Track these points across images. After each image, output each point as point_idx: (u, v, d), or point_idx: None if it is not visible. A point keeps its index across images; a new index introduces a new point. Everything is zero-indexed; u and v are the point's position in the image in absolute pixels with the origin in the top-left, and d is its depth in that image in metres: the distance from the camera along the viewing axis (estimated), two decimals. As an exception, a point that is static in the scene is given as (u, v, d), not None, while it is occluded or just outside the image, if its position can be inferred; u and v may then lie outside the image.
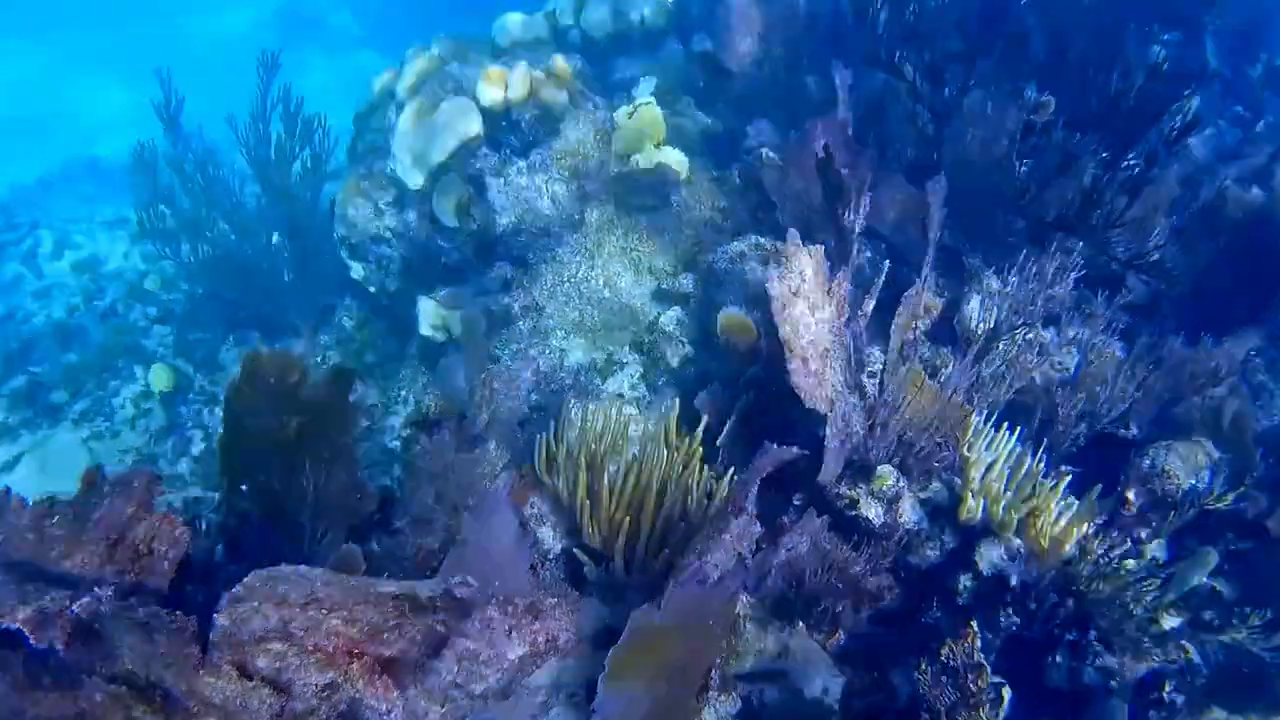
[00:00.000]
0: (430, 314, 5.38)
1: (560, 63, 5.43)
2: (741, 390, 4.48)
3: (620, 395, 5.08)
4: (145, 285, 8.91)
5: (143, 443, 7.12)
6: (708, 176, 5.80)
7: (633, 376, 5.22)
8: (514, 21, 6.66)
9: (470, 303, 5.34)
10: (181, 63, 8.18)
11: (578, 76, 6.34)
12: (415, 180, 5.38)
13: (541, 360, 5.22)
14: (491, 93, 5.23)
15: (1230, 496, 4.03)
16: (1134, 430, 4.41)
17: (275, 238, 7.31)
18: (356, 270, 6.20)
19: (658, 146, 5.74)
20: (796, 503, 4.03)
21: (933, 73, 4.89)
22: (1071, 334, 4.69)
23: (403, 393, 6.17)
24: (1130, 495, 4.14)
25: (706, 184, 5.71)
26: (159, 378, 7.29)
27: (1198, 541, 4.06)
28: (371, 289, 6.28)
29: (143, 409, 7.37)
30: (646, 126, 5.72)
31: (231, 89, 8.86)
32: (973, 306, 4.66)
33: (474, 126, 5.24)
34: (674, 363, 5.18)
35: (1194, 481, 4.14)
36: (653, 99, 5.88)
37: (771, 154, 5.69)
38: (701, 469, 3.82)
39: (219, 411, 6.60)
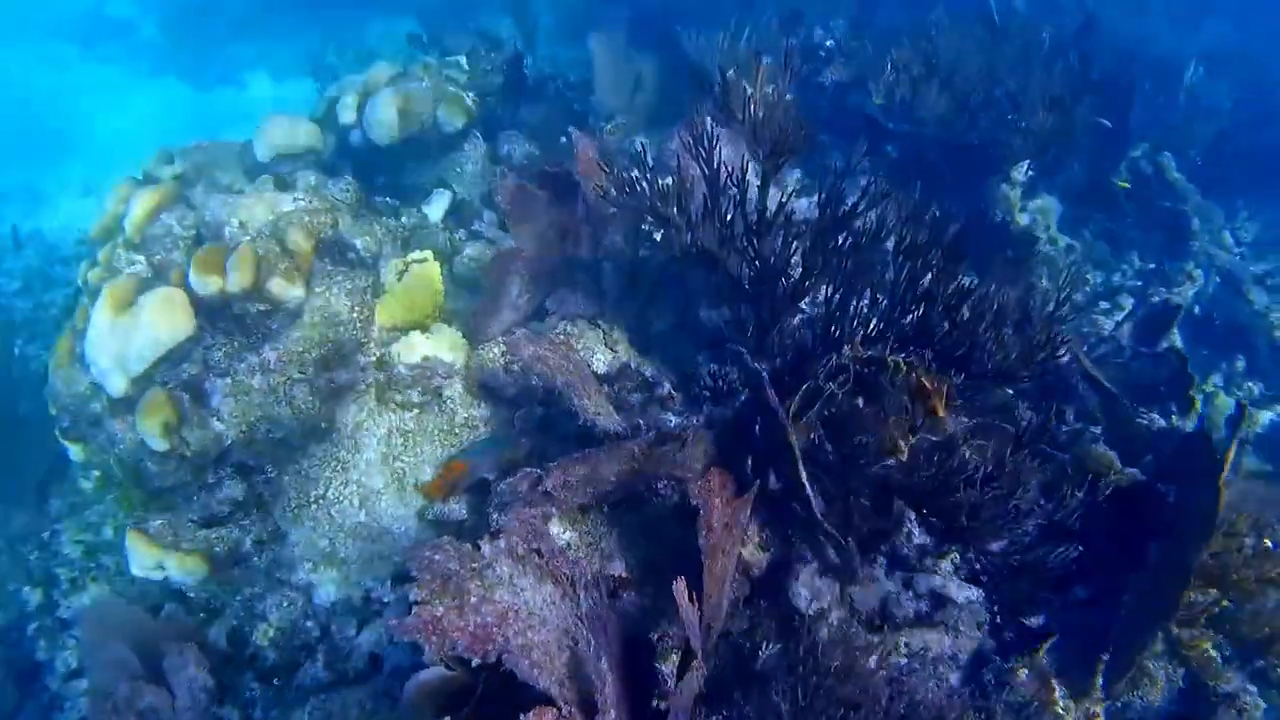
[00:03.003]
0: (142, 553, 4.36)
1: (298, 238, 4.40)
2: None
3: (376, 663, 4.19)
4: None
5: None
6: (501, 349, 4.90)
7: (394, 623, 4.32)
8: (277, 129, 5.54)
9: (190, 536, 4.34)
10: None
11: (348, 209, 5.32)
12: (117, 386, 4.29)
13: (276, 614, 4.28)
14: (208, 283, 4.18)
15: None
16: None
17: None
18: (75, 453, 5.09)
19: (431, 321, 4.82)
20: None
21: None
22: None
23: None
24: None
25: (493, 362, 4.81)
26: None
27: None
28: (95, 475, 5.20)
29: None
30: (419, 294, 4.78)
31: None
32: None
33: (182, 328, 4.19)
34: (443, 607, 4.30)
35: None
36: (428, 255, 4.92)
37: (573, 328, 4.83)
38: None
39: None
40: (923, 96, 6.09)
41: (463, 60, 6.48)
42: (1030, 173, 6.44)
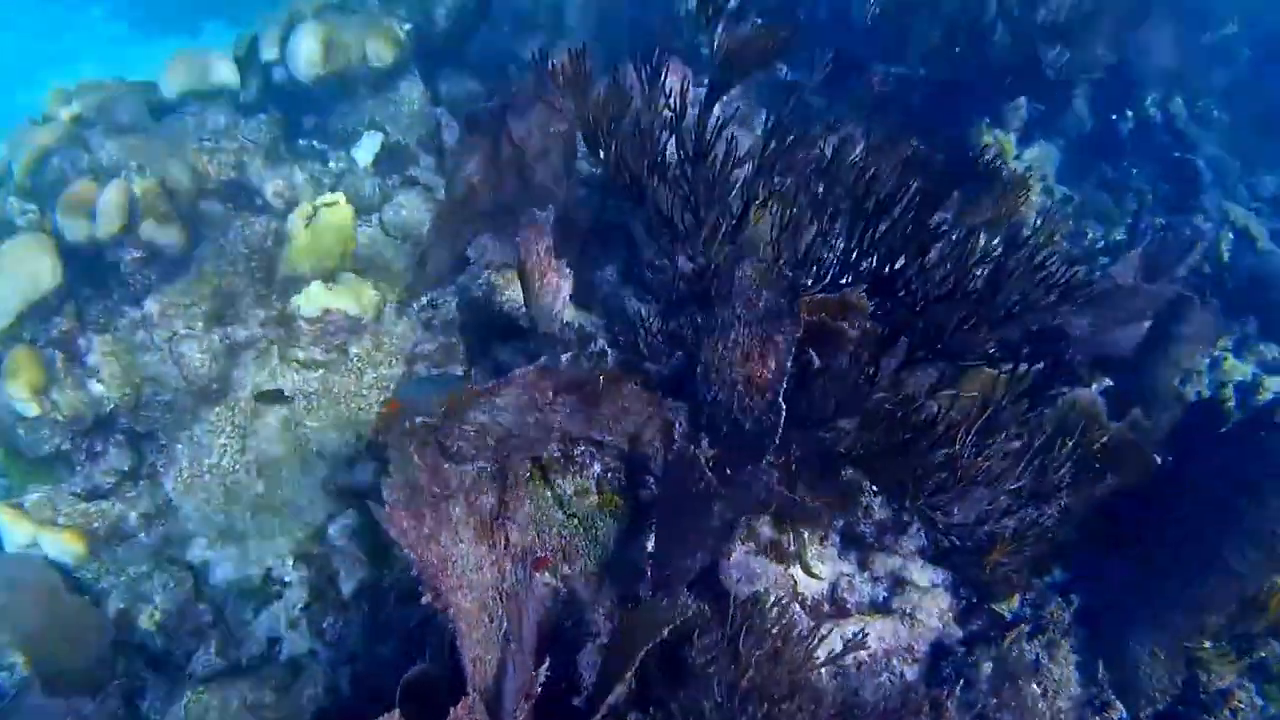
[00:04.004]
0: (14, 529, 3.92)
1: (180, 174, 3.91)
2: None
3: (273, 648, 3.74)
4: None
5: None
6: (421, 304, 4.42)
7: (293, 609, 3.87)
8: (185, 65, 5.03)
9: (68, 510, 3.90)
10: None
11: (260, 152, 4.83)
12: (-19, 344, 3.87)
13: (163, 596, 3.84)
14: (76, 226, 3.71)
15: None
16: None
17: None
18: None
19: (339, 268, 4.34)
20: None
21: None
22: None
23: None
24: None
25: (411, 319, 4.32)
26: None
27: None
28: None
29: None
30: (327, 240, 4.30)
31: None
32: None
33: (46, 276, 3.72)
34: (346, 591, 3.85)
35: None
36: (340, 199, 4.43)
37: (499, 277, 4.34)
38: None
39: None
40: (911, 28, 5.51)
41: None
42: (1024, 114, 5.88)
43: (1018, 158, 6.12)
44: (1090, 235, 5.96)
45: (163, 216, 3.73)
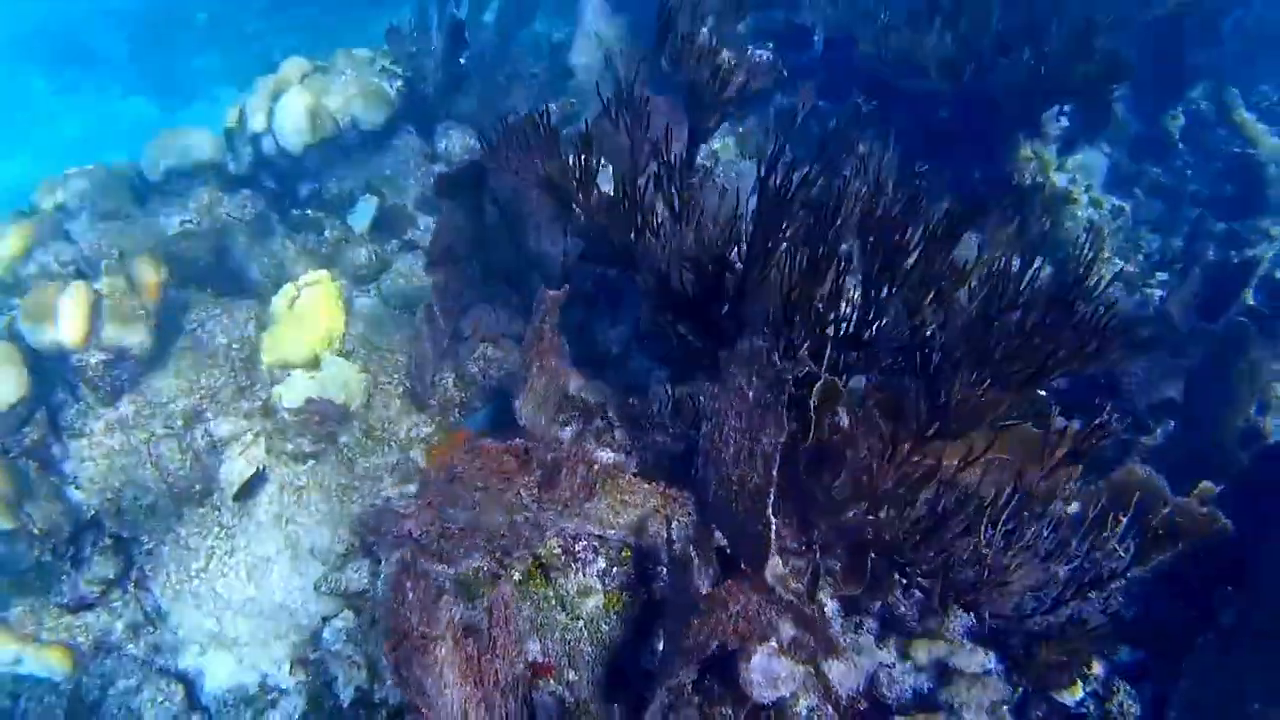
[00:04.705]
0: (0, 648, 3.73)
1: (145, 270, 3.71)
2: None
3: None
4: None
5: None
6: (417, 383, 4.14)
7: (291, 718, 3.60)
8: (167, 144, 4.86)
9: (52, 624, 3.70)
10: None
11: (244, 229, 4.62)
12: (-44, 455, 3.70)
13: (152, 712, 3.60)
14: (40, 332, 3.53)
15: None
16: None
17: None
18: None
19: (327, 350, 4.09)
20: None
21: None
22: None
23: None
24: None
25: (405, 400, 4.05)
26: None
27: None
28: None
29: None
30: (310, 323, 4.06)
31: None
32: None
33: (11, 391, 3.53)
34: (345, 698, 3.57)
35: None
36: (322, 277, 4.20)
37: (497, 351, 4.05)
38: None
39: None
40: (923, 39, 5.12)
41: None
42: (1064, 122, 5.43)
43: (1059, 168, 5.67)
44: (1144, 248, 5.47)
45: (127, 317, 3.53)
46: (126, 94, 11.20)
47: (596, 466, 3.21)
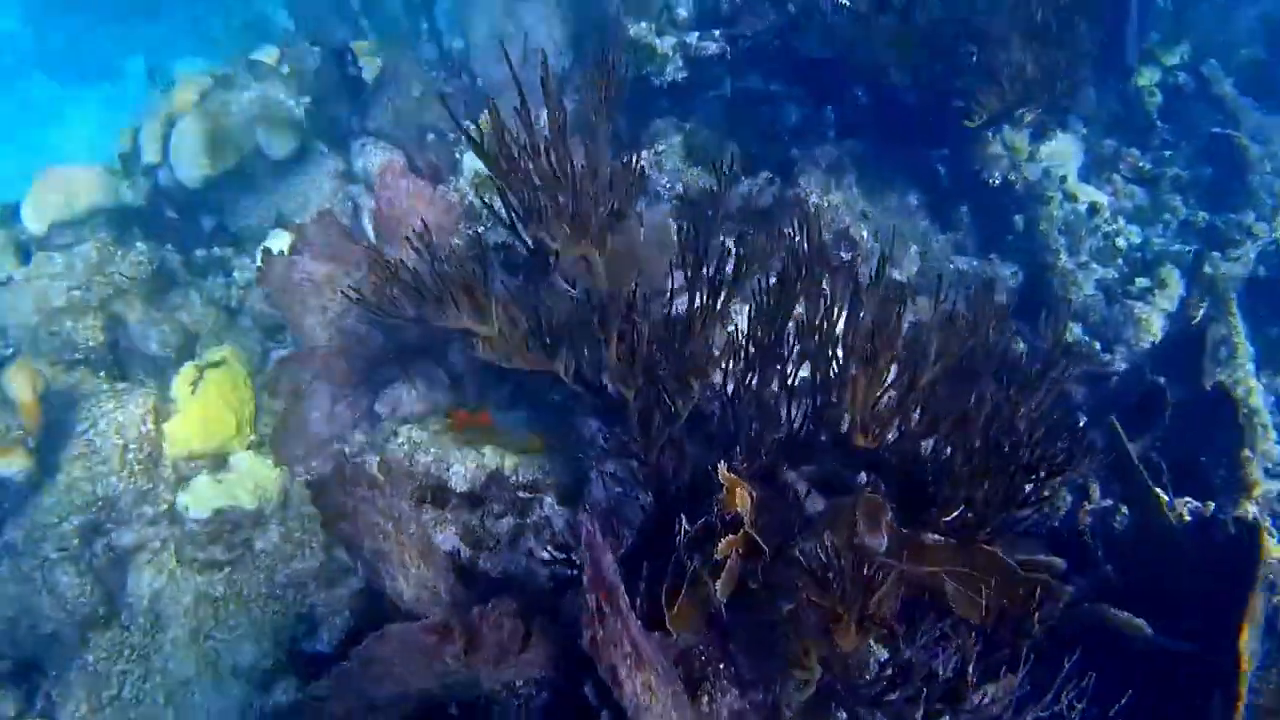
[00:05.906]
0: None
1: (19, 387, 3.27)
2: None
3: None
4: None
5: None
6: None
7: None
8: (49, 190, 4.30)
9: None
10: None
11: (138, 291, 4.14)
12: None
13: None
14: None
15: None
16: None
17: None
18: None
19: (239, 443, 3.69)
20: None
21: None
22: None
23: None
24: None
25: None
26: None
27: None
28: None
29: None
30: (216, 410, 3.65)
31: None
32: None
33: None
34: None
35: None
36: (226, 355, 3.77)
37: (421, 433, 3.68)
38: None
39: None
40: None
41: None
42: (1031, 116, 5.02)
43: (1031, 158, 5.28)
44: (1123, 249, 5.13)
45: (3, 447, 3.11)
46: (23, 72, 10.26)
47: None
